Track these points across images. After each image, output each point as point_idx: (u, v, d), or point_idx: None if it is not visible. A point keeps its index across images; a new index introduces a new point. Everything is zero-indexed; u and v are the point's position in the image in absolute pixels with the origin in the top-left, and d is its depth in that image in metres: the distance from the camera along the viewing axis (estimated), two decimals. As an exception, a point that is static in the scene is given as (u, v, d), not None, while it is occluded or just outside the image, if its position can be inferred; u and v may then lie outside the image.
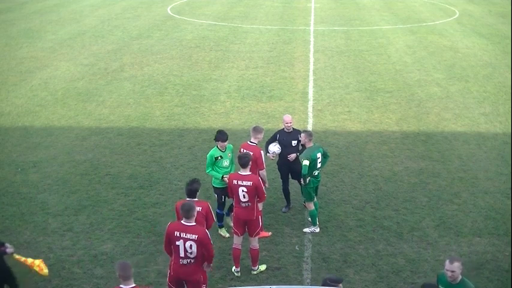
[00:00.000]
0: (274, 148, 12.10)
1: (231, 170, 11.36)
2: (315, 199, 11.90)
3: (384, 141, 16.57)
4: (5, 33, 30.60)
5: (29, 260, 9.16)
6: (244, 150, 11.38)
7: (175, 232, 8.40)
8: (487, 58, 26.10)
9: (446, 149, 16.11)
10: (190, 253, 8.39)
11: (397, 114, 18.75)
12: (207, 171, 11.46)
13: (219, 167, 11.36)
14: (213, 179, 11.48)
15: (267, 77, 22.78)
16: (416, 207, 12.95)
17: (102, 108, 19.22)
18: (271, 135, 12.65)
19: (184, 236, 8.34)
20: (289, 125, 12.41)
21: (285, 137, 12.41)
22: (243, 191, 10.06)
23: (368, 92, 20.90)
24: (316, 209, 11.87)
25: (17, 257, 9.13)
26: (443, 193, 13.62)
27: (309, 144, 11.68)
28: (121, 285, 7.44)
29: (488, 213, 12.71)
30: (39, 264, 9.18)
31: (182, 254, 8.42)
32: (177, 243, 8.39)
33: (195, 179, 9.51)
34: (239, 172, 10.23)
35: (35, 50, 27.10)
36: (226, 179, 11.05)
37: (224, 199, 11.51)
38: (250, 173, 10.25)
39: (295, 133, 12.38)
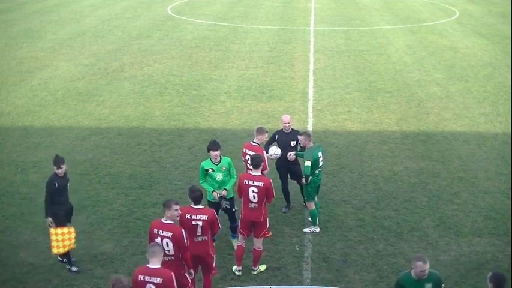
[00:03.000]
0: (276, 151, 12.00)
1: (224, 185, 10.88)
2: (316, 199, 11.90)
3: (384, 141, 16.57)
4: (5, 33, 30.60)
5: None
6: (247, 151, 11.39)
7: (155, 229, 8.61)
8: (487, 58, 26.10)
9: (446, 149, 16.12)
10: (168, 251, 8.55)
11: (397, 114, 18.75)
12: (200, 182, 11.03)
13: (212, 180, 10.93)
14: (207, 192, 10.99)
15: (267, 77, 22.78)
16: (416, 207, 12.96)
17: (102, 108, 19.22)
18: (270, 135, 12.63)
19: (161, 233, 8.52)
20: (287, 125, 12.38)
21: (284, 137, 12.39)
22: (253, 191, 10.02)
23: (368, 92, 20.91)
24: (316, 208, 11.88)
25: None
26: (443, 193, 13.62)
27: (309, 145, 11.69)
28: (148, 265, 7.61)
29: (488, 213, 12.71)
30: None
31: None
32: (156, 240, 8.54)
33: (195, 186, 9.42)
34: (251, 172, 10.23)
35: (35, 50, 27.10)
36: (215, 194, 10.86)
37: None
38: (261, 174, 10.23)
39: (294, 133, 12.36)
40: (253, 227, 10.33)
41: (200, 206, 9.16)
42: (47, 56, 26.00)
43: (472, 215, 12.67)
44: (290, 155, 12.16)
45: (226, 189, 10.87)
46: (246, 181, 10.10)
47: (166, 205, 8.60)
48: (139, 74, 23.18)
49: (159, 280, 7.54)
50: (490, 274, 7.65)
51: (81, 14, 37.07)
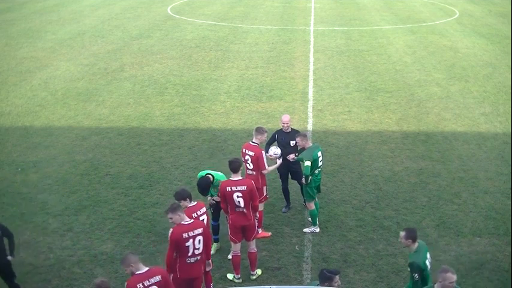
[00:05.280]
0: (275, 151, 12.00)
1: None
2: (316, 199, 11.91)
3: (384, 141, 16.57)
4: (5, 33, 30.60)
5: None
6: (246, 151, 11.36)
7: (184, 234, 8.48)
8: (487, 58, 26.10)
9: (446, 149, 16.11)
10: (198, 249, 8.58)
11: (397, 114, 18.75)
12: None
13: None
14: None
15: (267, 77, 22.77)
16: (416, 207, 12.96)
17: (102, 108, 19.22)
18: (270, 135, 12.62)
19: (191, 234, 8.51)
20: (286, 125, 12.37)
21: (284, 137, 12.39)
22: (238, 196, 9.89)
23: (368, 92, 20.90)
24: (316, 209, 11.87)
25: None
26: (443, 193, 13.62)
27: (308, 145, 11.68)
28: (138, 272, 7.52)
29: (488, 213, 12.71)
30: None
31: (190, 253, 8.61)
32: (187, 244, 8.49)
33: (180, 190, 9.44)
34: (231, 178, 10.04)
35: (35, 50, 27.10)
36: (209, 199, 10.87)
37: (212, 210, 11.13)
38: (241, 177, 10.09)
39: (294, 133, 12.34)
40: (244, 231, 10.22)
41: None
42: (47, 56, 26.00)
43: (472, 215, 12.67)
44: (291, 157, 12.15)
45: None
46: (228, 188, 9.91)
47: (175, 208, 8.56)
48: (139, 74, 23.18)
49: (159, 278, 7.55)
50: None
51: (81, 14, 37.07)
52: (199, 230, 8.56)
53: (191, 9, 38.96)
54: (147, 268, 7.64)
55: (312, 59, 25.53)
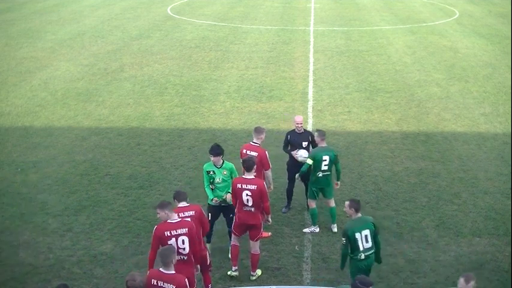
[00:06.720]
0: (304, 154, 12.00)
1: (224, 189, 10.61)
2: (333, 204, 11.86)
3: (384, 142, 16.57)
4: (5, 33, 30.59)
5: None
6: (247, 151, 11.31)
7: (166, 232, 8.45)
8: (487, 58, 26.11)
9: (446, 149, 16.12)
10: (183, 249, 8.49)
11: (397, 114, 18.75)
12: (205, 186, 10.75)
13: (212, 184, 10.68)
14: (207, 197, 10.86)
15: (267, 77, 22.77)
16: (416, 207, 12.96)
17: (102, 108, 19.22)
18: (283, 137, 12.68)
19: (174, 233, 8.44)
20: (300, 125, 12.38)
21: (296, 137, 12.40)
22: (247, 194, 9.88)
23: (368, 92, 20.91)
24: (333, 214, 11.85)
25: None
26: (443, 193, 13.62)
27: (321, 144, 11.64)
28: (160, 269, 7.50)
29: (488, 213, 12.71)
30: None
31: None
32: (169, 242, 8.43)
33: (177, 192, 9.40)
34: (243, 176, 10.06)
35: (35, 50, 27.09)
36: (215, 201, 10.64)
37: (211, 218, 10.78)
38: (254, 176, 10.08)
39: (306, 134, 12.40)
40: (249, 230, 10.23)
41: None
42: (47, 56, 25.99)
43: (472, 215, 12.67)
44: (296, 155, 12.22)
45: (229, 192, 10.49)
46: (239, 185, 9.94)
47: (165, 205, 8.55)
48: (139, 74, 23.18)
49: (172, 287, 7.43)
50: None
51: (81, 14, 37.06)
52: (184, 230, 8.46)
53: (191, 10, 38.96)
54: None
55: (311, 59, 25.53)
